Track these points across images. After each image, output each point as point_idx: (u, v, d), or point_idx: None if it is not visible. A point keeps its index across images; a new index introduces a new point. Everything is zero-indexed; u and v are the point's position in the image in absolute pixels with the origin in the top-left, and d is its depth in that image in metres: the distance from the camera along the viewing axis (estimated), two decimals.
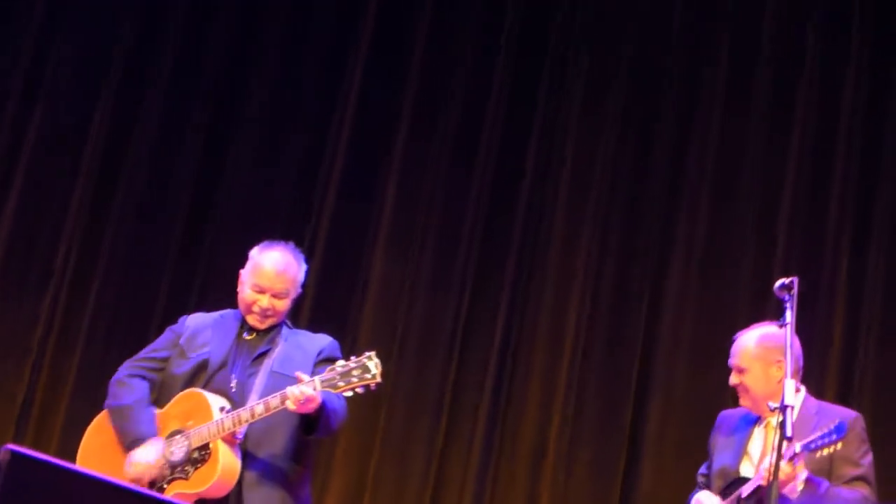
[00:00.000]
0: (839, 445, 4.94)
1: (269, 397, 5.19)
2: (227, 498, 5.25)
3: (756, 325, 5.56)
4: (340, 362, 5.11)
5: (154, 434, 5.38)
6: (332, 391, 5.07)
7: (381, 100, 7.92)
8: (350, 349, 7.43)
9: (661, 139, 7.65)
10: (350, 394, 5.10)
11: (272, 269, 5.46)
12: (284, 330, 5.54)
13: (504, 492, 7.37)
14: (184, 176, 7.93)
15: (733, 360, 5.47)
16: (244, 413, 5.20)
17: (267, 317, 5.47)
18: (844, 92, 7.47)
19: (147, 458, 5.32)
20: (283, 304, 5.48)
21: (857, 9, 7.56)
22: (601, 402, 7.38)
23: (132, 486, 5.19)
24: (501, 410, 7.45)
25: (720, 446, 5.53)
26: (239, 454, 5.25)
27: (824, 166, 7.42)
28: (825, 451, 4.95)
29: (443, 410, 7.47)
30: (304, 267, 5.58)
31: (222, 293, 7.22)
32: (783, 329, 5.29)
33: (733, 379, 5.45)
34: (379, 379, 5.06)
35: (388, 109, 7.89)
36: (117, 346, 7.63)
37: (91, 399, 7.20)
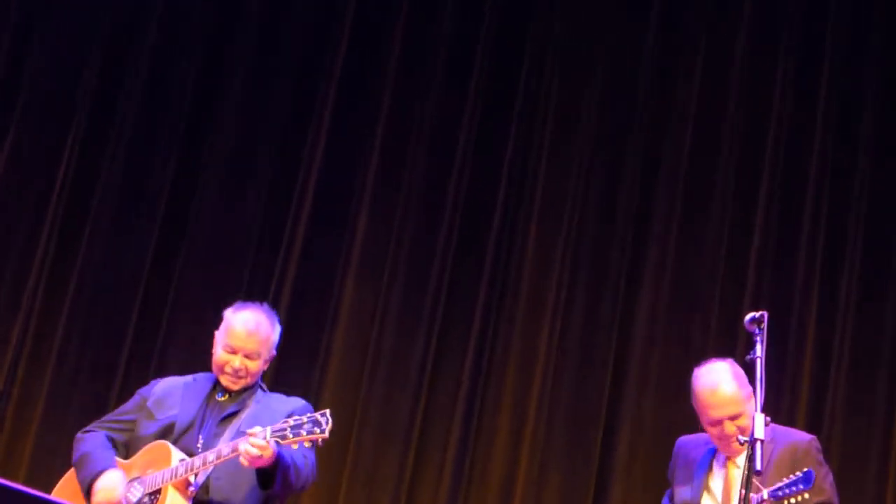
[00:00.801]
0: (806, 496, 4.94)
1: (221, 445, 5.20)
2: None
3: (714, 369, 5.47)
4: (295, 416, 5.10)
5: (113, 465, 5.40)
6: (281, 442, 5.05)
7: (352, 130, 7.90)
8: (320, 377, 7.47)
9: (630, 171, 7.66)
10: (296, 447, 5.09)
11: (244, 329, 5.44)
12: (258, 392, 5.52)
13: None
14: (154, 205, 7.89)
15: (728, 410, 5.32)
16: (197, 460, 5.21)
17: (240, 377, 5.45)
18: (816, 124, 7.50)
19: (109, 482, 5.33)
20: (256, 366, 5.46)
21: (828, 41, 7.60)
22: (571, 430, 7.38)
23: None
24: (472, 438, 7.44)
25: (679, 478, 5.53)
26: (190, 502, 5.24)
27: (795, 197, 7.45)
28: (792, 500, 4.95)
29: (412, 438, 7.45)
30: (277, 328, 5.56)
31: (190, 321, 7.27)
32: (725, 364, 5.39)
33: (730, 428, 5.32)
34: (326, 435, 5.03)
35: (360, 140, 7.87)
36: (86, 373, 7.64)
37: (60, 426, 7.20)
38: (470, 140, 7.82)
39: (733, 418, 5.31)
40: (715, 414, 5.33)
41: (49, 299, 7.76)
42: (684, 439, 5.67)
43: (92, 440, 5.51)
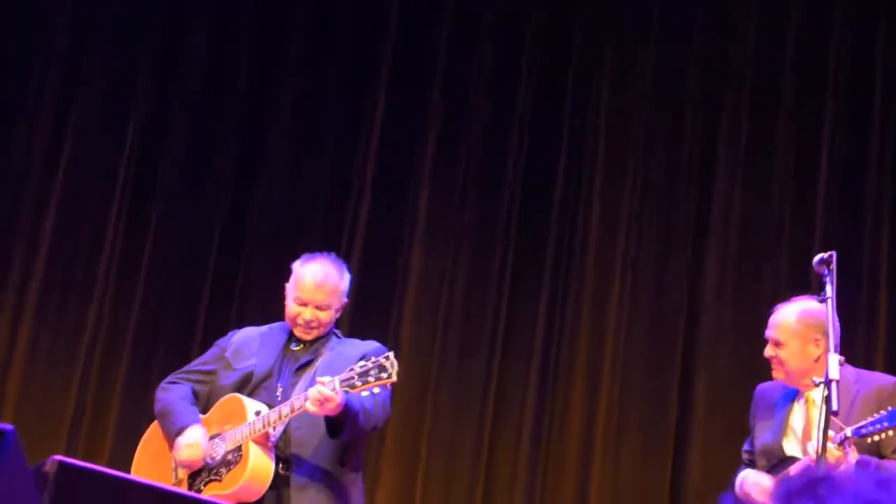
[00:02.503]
0: (891, 433, 4.91)
1: (293, 398, 5.25)
2: (262, 500, 5.31)
3: (796, 299, 5.50)
4: (360, 363, 5.13)
5: (197, 421, 5.46)
6: (351, 391, 5.09)
7: (410, 101, 7.93)
8: (392, 348, 7.46)
9: (692, 125, 7.63)
10: (366, 394, 5.11)
11: (312, 281, 5.49)
12: (332, 340, 5.56)
13: (554, 481, 7.38)
14: (220, 181, 7.97)
15: (771, 333, 5.41)
16: (272, 414, 5.26)
17: (312, 328, 5.49)
18: (875, 70, 7.44)
19: (192, 439, 5.40)
20: (327, 316, 5.49)
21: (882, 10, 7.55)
22: (646, 389, 7.37)
23: (179, 490, 5.29)
24: (548, 398, 7.45)
25: (760, 423, 5.51)
26: (272, 456, 5.30)
27: (858, 138, 7.40)
28: (875, 438, 4.93)
29: (488, 403, 7.47)
30: (346, 276, 5.59)
31: (262, 295, 7.32)
32: (823, 305, 5.28)
33: (769, 351, 5.40)
34: (395, 378, 5.06)
35: (418, 109, 7.90)
36: (162, 351, 7.72)
37: (139, 404, 7.27)
38: (527, 107, 7.82)
39: (776, 344, 5.36)
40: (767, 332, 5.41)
41: (121, 282, 7.84)
42: (764, 386, 5.64)
43: (176, 392, 5.58)
